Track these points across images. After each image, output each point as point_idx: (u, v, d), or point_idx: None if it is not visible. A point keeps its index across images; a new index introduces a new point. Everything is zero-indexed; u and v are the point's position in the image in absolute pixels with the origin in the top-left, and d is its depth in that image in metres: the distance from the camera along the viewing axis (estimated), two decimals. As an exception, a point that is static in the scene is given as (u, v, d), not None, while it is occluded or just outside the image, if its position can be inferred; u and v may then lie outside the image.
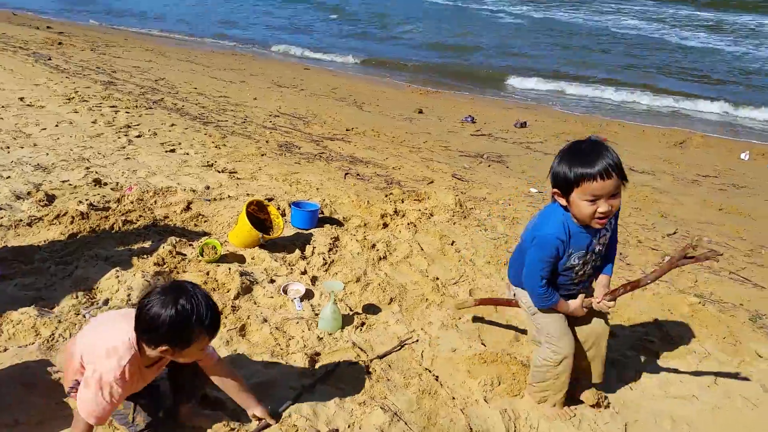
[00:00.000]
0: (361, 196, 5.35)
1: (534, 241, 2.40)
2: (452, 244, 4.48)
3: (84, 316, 2.95)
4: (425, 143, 8.40)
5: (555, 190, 2.31)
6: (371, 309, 3.43)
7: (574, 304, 2.53)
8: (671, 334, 3.48)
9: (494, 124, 10.42)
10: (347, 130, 8.62)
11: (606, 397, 2.76)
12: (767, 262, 4.96)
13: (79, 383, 2.05)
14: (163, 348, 1.97)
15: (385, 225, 4.73)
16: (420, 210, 5.14)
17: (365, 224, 4.69)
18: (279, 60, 16.85)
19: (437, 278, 3.89)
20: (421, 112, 11.06)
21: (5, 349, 2.63)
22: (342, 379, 2.75)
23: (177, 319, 1.92)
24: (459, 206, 5.37)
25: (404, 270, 4.00)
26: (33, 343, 2.69)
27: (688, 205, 6.48)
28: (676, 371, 3.13)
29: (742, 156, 9.51)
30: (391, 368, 2.89)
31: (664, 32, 22.93)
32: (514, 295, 2.75)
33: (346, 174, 6.13)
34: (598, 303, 2.49)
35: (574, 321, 2.63)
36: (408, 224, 4.74)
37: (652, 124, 11.59)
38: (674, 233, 5.45)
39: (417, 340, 3.16)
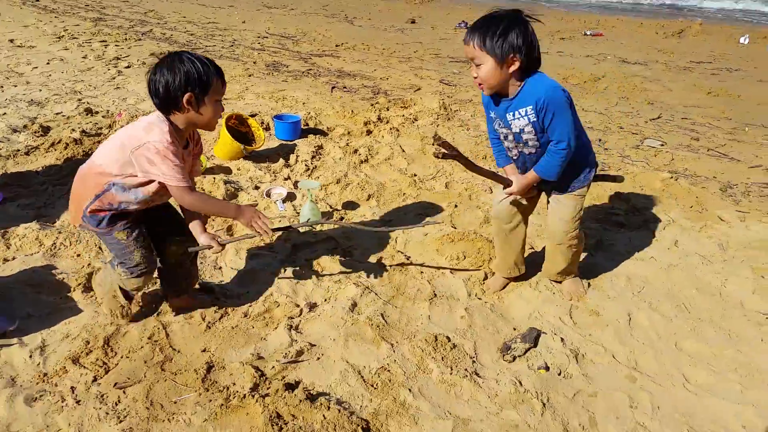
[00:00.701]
0: (347, 107, 5.47)
1: None
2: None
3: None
4: (416, 53, 8.38)
5: None
6: (350, 206, 3.65)
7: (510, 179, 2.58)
8: (638, 207, 3.66)
9: (488, 29, 10.27)
10: (336, 45, 8.61)
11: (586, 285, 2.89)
12: (748, 139, 5.05)
13: (93, 212, 2.23)
14: (188, 95, 2.07)
15: (369, 132, 4.88)
16: (404, 116, 5.27)
17: (349, 132, 4.84)
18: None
19: (415, 175, 4.08)
20: (413, 22, 10.93)
21: (13, 258, 2.90)
22: (320, 264, 3.00)
23: (191, 68, 2.07)
24: (443, 109, 5.48)
25: (384, 170, 4.18)
26: (38, 252, 2.96)
27: (676, 91, 6.50)
28: (637, 238, 3.33)
29: (742, 40, 9.35)
30: (367, 252, 3.13)
31: None
32: None
33: (333, 88, 6.23)
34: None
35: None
36: (391, 129, 4.88)
37: (651, 18, 11.34)
38: (658, 118, 5.52)
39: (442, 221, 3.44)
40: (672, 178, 4.03)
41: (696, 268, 3.03)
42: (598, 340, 2.53)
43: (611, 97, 6.22)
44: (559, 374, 2.35)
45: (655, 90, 6.49)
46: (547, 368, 2.38)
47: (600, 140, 4.81)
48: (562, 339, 2.52)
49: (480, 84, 2.31)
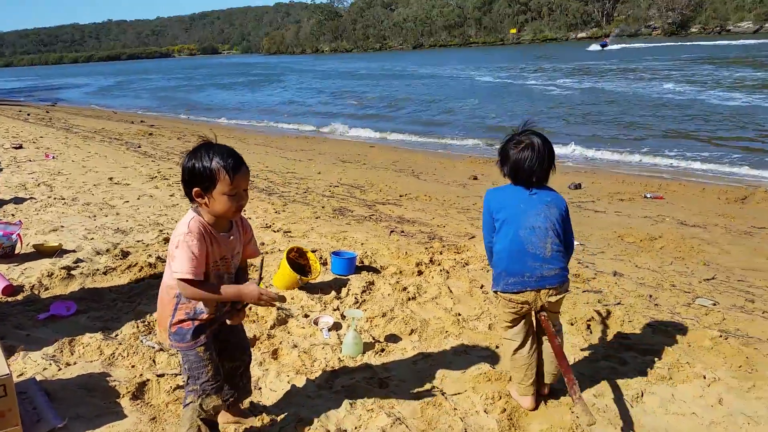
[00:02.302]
0: (402, 249, 5.74)
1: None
2: (481, 288, 4.76)
3: (141, 341, 3.46)
4: (475, 205, 8.75)
5: None
6: (392, 338, 3.76)
7: None
8: (682, 362, 3.57)
9: (547, 188, 10.64)
10: (401, 196, 9.13)
11: None
12: (811, 304, 4.88)
13: (176, 325, 2.33)
14: (196, 190, 2.16)
15: (420, 272, 5.08)
16: (455, 260, 5.47)
17: (400, 272, 5.07)
18: (346, 140, 17.92)
19: (459, 314, 4.18)
20: (476, 178, 11.47)
21: (75, 363, 3.16)
22: (356, 391, 3.08)
23: (197, 164, 2.14)
24: (495, 257, 5.64)
25: (430, 308, 4.31)
26: (97, 360, 3.21)
27: (734, 254, 6.43)
28: (680, 393, 3.23)
29: (809, 209, 9.22)
30: (403, 384, 3.19)
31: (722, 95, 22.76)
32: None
33: (392, 231, 6.57)
34: None
35: None
36: (441, 271, 5.07)
37: (714, 183, 11.46)
38: (712, 278, 5.46)
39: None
40: (721, 336, 3.94)
41: (740, 428, 2.90)
42: (630, 491, 2.44)
43: (666, 257, 6.23)
44: None
45: (712, 252, 6.46)
46: None
47: (651, 296, 4.80)
48: (592, 487, 2.44)
49: None
